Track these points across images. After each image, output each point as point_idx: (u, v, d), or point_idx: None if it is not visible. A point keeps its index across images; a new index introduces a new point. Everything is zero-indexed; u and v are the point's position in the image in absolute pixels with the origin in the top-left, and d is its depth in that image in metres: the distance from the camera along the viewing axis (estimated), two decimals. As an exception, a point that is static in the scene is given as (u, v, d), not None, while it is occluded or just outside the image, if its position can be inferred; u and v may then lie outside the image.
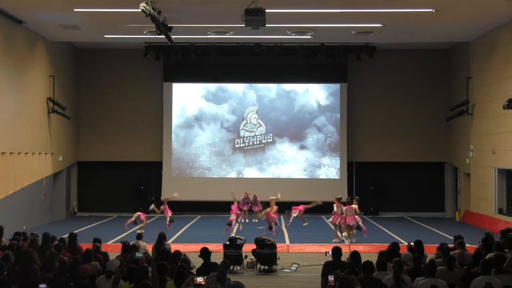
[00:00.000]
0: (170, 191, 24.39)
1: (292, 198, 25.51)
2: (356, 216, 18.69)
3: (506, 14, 19.38)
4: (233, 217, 20.88)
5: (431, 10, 18.41)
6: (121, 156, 27.26)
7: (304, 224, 22.05)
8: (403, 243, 15.30)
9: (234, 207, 21.63)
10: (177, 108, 27.18)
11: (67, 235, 13.04)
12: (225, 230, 20.00)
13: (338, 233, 18.74)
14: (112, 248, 15.26)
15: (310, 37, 22.90)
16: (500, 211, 21.28)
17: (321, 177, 27.01)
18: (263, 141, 27.21)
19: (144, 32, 21.10)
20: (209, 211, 25.90)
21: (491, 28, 21.50)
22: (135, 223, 20.08)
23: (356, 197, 20.41)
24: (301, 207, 22.03)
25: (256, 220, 23.71)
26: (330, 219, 18.86)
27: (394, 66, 27.30)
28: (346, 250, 14.60)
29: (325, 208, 22.88)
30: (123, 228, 21.17)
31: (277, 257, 14.50)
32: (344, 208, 18.58)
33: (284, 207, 22.91)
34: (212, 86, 27.33)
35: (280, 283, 13.33)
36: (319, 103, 27.15)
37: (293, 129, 27.16)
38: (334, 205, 18.81)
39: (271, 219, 19.98)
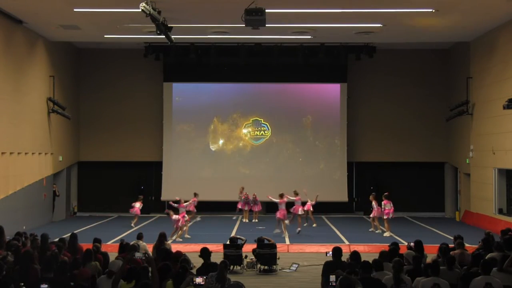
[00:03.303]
0: (170, 191, 24.44)
1: (292, 198, 25.53)
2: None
3: (506, 14, 19.39)
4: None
5: (431, 10, 18.41)
6: (121, 156, 27.27)
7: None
8: (403, 243, 15.33)
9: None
10: (177, 108, 27.17)
11: (67, 235, 13.04)
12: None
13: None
14: (112, 248, 15.25)
15: (310, 37, 22.91)
16: (500, 211, 21.28)
17: (321, 177, 27.00)
18: (263, 141, 27.22)
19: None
20: (209, 211, 25.87)
21: (491, 28, 21.50)
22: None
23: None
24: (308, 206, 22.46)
25: (256, 220, 23.74)
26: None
27: (394, 66, 27.30)
28: (346, 250, 14.63)
29: (326, 208, 23.00)
30: (123, 228, 21.24)
31: (277, 257, 14.51)
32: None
33: (286, 207, 22.92)
34: (212, 86, 27.32)
35: (280, 283, 13.33)
36: (319, 103, 27.13)
37: (293, 129, 27.16)
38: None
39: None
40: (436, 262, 9.20)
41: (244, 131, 27.25)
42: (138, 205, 22.35)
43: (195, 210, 23.09)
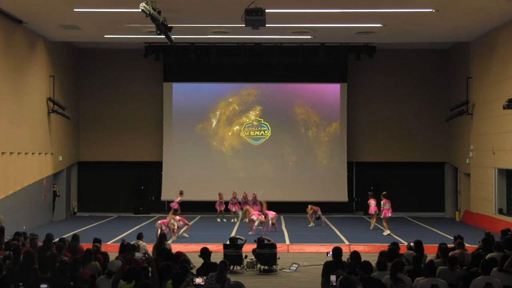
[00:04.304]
0: (170, 191, 24.43)
1: (292, 198, 25.58)
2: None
3: (506, 14, 19.39)
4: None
5: (431, 10, 18.41)
6: (121, 156, 27.27)
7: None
8: (403, 243, 15.33)
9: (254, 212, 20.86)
10: (177, 108, 27.17)
11: (68, 235, 13.04)
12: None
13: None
14: (112, 248, 15.25)
15: (310, 37, 22.91)
16: (500, 211, 21.27)
17: (321, 177, 26.97)
18: (263, 141, 27.21)
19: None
20: (209, 211, 25.85)
21: (491, 28, 21.49)
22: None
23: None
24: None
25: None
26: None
27: (394, 66, 27.29)
28: (346, 250, 14.63)
29: (326, 208, 23.00)
30: (123, 228, 21.22)
31: (277, 257, 14.50)
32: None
33: (286, 207, 23.00)
34: (212, 86, 27.31)
35: (280, 283, 13.33)
36: (319, 103, 27.12)
37: (293, 129, 27.15)
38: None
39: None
40: (431, 263, 9.21)
41: (244, 131, 27.23)
42: (178, 199, 23.06)
43: (223, 209, 23.92)
